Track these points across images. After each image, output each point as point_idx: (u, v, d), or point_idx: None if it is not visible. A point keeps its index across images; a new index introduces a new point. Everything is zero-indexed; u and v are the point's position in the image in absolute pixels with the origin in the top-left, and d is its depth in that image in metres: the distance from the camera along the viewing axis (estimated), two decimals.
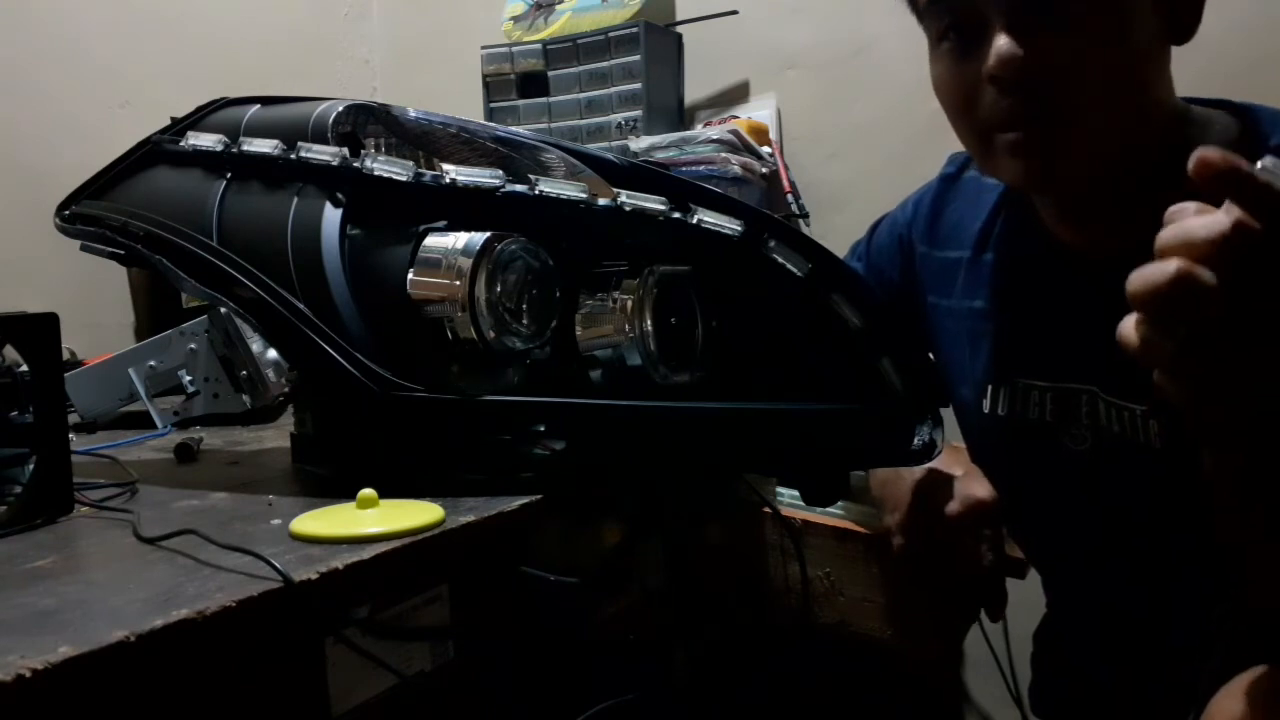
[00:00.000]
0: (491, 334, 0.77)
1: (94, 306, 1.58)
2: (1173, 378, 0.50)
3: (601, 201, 0.79)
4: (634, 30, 1.54)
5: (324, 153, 0.84)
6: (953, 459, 0.87)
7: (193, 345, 1.14)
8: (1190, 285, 0.46)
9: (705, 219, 0.77)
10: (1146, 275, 0.48)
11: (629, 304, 0.78)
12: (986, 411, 0.87)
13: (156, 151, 0.94)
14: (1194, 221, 0.47)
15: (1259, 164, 0.47)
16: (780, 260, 0.76)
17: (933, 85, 0.79)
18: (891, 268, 1.00)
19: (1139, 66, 0.71)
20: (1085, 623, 0.91)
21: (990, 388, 0.87)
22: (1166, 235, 0.48)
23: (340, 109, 0.90)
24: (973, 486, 0.83)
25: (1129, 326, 0.50)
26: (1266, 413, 0.50)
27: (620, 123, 1.55)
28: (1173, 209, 0.50)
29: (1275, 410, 0.50)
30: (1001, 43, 0.69)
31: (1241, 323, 0.47)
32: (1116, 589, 0.85)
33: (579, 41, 1.59)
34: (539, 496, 0.75)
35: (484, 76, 1.68)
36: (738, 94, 1.66)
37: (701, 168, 1.40)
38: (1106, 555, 0.84)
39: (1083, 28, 0.68)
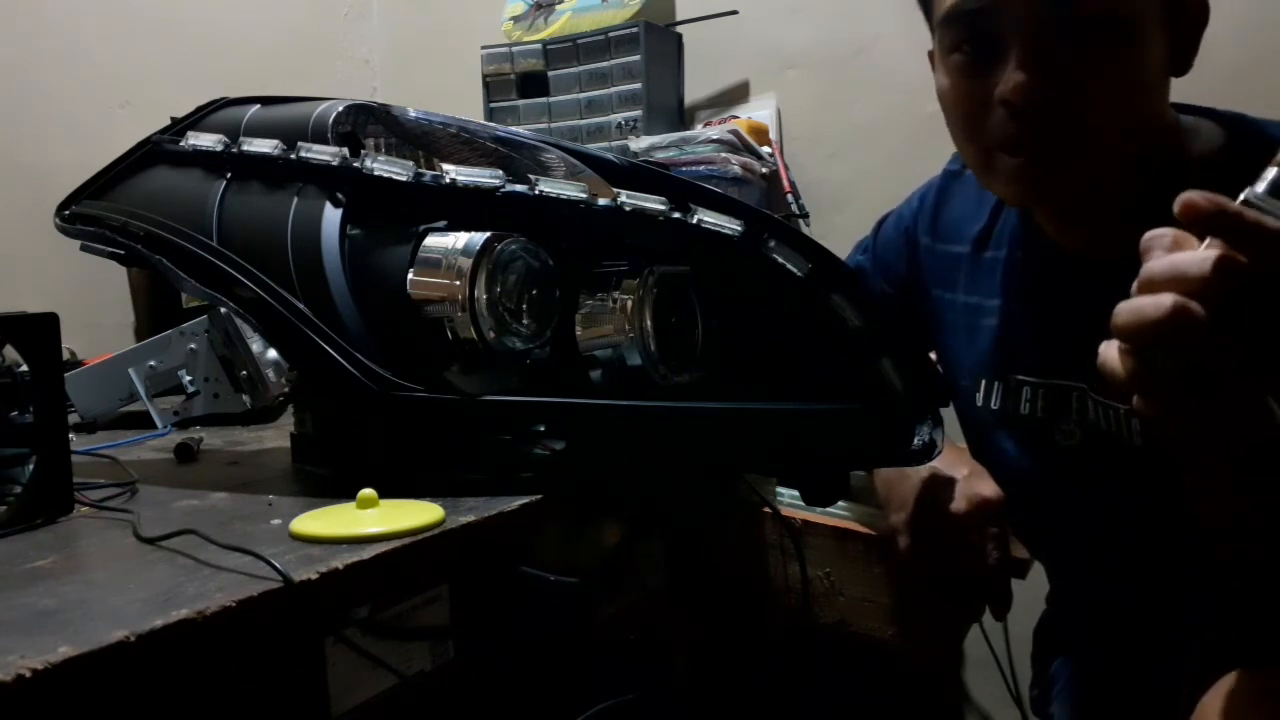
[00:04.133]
0: (491, 334, 0.77)
1: (94, 306, 1.58)
2: (1155, 404, 0.51)
3: (601, 201, 0.79)
4: (634, 30, 1.54)
5: (324, 153, 0.84)
6: (956, 458, 0.88)
7: (193, 345, 1.14)
8: (1185, 320, 0.47)
9: (705, 219, 0.76)
10: (1139, 309, 0.48)
11: (629, 304, 0.78)
12: (980, 405, 0.88)
13: (156, 151, 0.94)
14: (1183, 257, 0.48)
15: (1243, 195, 0.48)
16: (780, 260, 0.76)
17: (937, 93, 0.79)
18: (897, 260, 1.01)
19: (1148, 96, 0.72)
20: (1082, 612, 0.92)
21: (984, 382, 0.88)
22: (1157, 269, 0.49)
23: (340, 109, 0.90)
24: (978, 485, 0.84)
25: (1113, 356, 0.51)
26: (1244, 431, 0.51)
27: (620, 123, 1.55)
28: (1149, 236, 0.51)
29: (1253, 429, 0.51)
30: (1018, 71, 0.69)
31: (1227, 355, 0.48)
32: (1110, 580, 0.86)
33: (579, 41, 1.59)
34: (539, 496, 0.75)
35: (484, 76, 1.68)
36: (738, 94, 1.66)
37: (701, 168, 1.40)
38: (1098, 547, 0.85)
39: (1099, 57, 0.69)
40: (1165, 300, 0.47)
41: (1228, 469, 0.54)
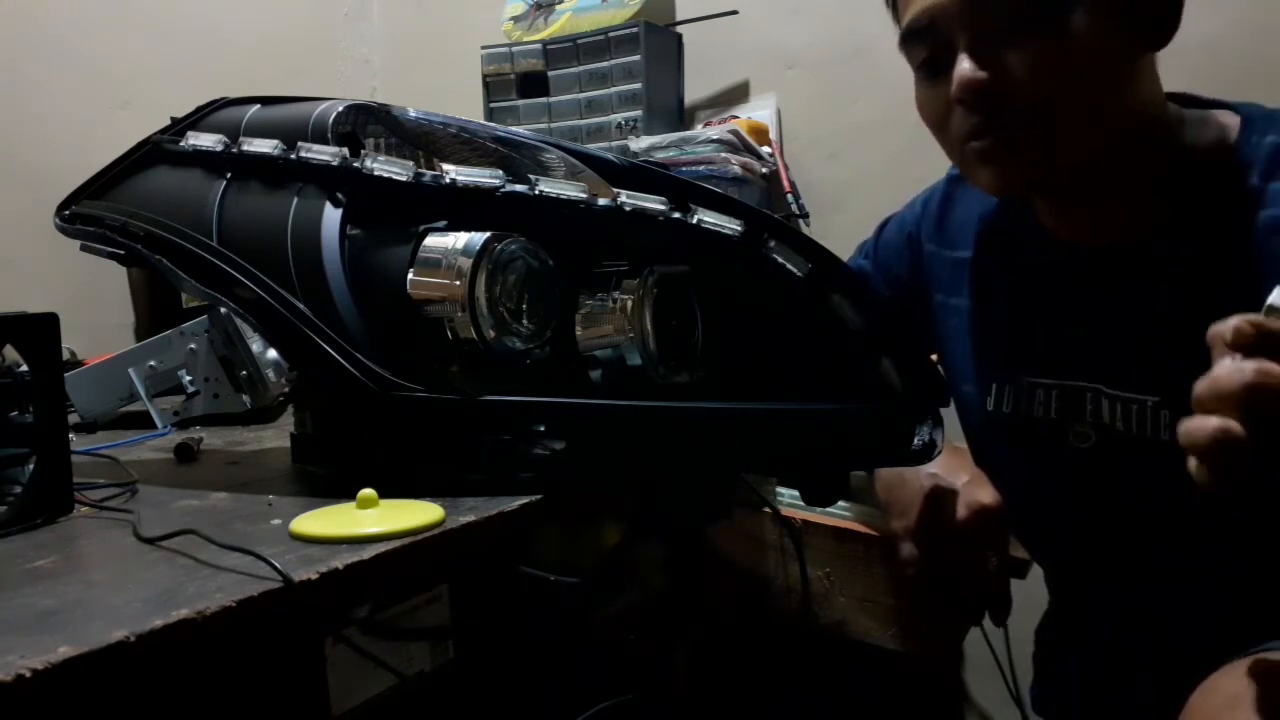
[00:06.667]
0: (491, 334, 0.77)
1: (94, 306, 1.58)
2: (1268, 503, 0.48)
3: (601, 201, 0.79)
4: (634, 30, 1.54)
5: (324, 153, 0.84)
6: (958, 463, 0.88)
7: (193, 345, 1.14)
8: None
9: (705, 219, 0.77)
10: (1209, 431, 0.45)
11: (629, 304, 0.78)
12: (990, 409, 0.88)
13: (156, 151, 0.94)
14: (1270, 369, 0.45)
15: (1270, 300, 0.46)
16: (780, 260, 0.76)
17: (916, 108, 0.81)
18: (900, 264, 1.00)
19: (1103, 76, 0.72)
20: (1087, 619, 0.92)
21: (995, 386, 0.88)
22: (1239, 378, 0.45)
23: (340, 109, 0.90)
24: (979, 493, 0.84)
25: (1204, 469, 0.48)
26: None
27: (620, 123, 1.55)
28: (1212, 332, 0.48)
29: None
30: (963, 67, 0.72)
31: None
32: (1118, 586, 0.86)
33: (579, 41, 1.59)
34: (539, 496, 0.75)
35: (484, 76, 1.68)
36: (738, 94, 1.66)
37: (701, 168, 1.40)
38: (1108, 553, 0.85)
39: (1038, 40, 0.71)
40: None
41: None
